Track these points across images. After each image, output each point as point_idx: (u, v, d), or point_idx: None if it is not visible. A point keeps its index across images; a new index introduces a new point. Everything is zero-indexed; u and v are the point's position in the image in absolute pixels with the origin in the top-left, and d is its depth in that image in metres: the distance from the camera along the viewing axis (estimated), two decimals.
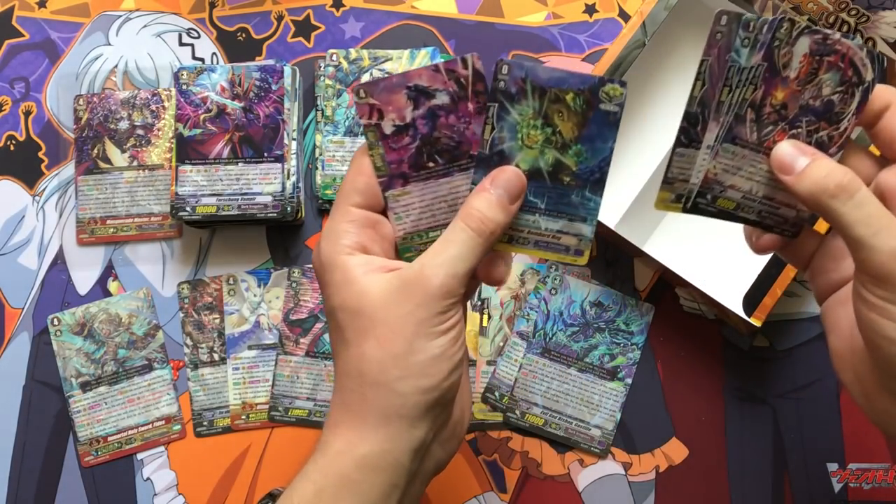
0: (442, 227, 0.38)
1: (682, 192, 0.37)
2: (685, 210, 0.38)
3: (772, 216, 0.38)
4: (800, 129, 0.37)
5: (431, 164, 0.38)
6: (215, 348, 0.61)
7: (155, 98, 0.64)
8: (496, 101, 0.37)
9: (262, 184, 0.59)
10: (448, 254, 0.36)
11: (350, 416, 0.36)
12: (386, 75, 0.36)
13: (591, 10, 0.65)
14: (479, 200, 0.37)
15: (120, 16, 0.66)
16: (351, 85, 0.63)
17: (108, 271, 0.62)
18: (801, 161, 0.35)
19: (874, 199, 0.34)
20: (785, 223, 0.38)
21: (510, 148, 0.37)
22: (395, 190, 0.38)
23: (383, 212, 0.39)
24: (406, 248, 0.39)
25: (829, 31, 0.36)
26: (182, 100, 0.60)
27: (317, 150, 0.62)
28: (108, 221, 0.62)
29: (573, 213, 0.39)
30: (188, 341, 0.61)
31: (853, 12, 0.54)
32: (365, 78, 0.63)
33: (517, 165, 0.37)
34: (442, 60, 0.37)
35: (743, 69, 0.35)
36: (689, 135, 0.36)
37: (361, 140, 0.62)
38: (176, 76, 0.60)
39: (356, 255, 0.37)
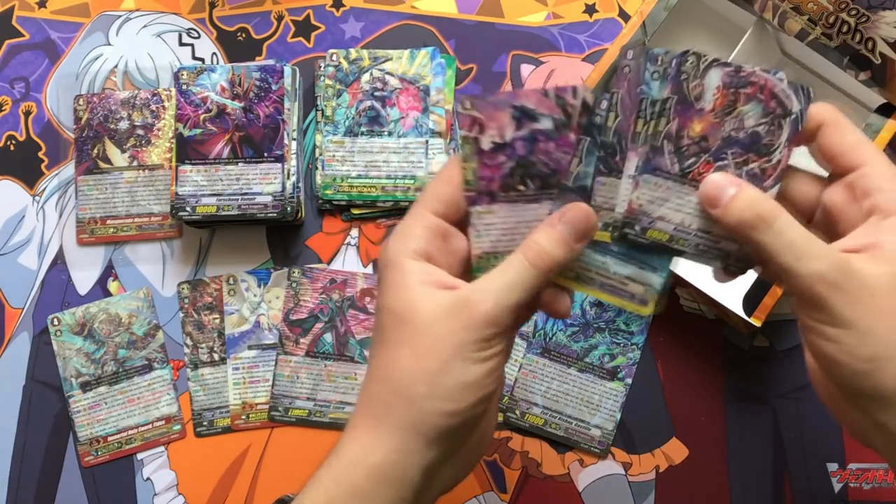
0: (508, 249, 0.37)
1: (608, 220, 0.37)
2: (614, 239, 0.37)
3: (712, 250, 0.38)
4: (726, 161, 0.37)
5: (522, 188, 0.37)
6: (215, 348, 0.61)
7: (155, 98, 0.64)
8: (589, 135, 0.36)
9: (262, 184, 0.59)
10: (500, 282, 0.35)
11: (370, 419, 0.36)
12: (493, 93, 0.36)
13: (591, 10, 0.65)
14: (542, 234, 0.36)
15: (120, 16, 0.66)
16: (351, 86, 0.63)
17: (108, 271, 0.62)
18: (727, 192, 0.35)
19: (795, 225, 0.34)
20: (728, 257, 0.38)
21: (591, 185, 0.37)
22: (480, 207, 0.37)
23: (460, 226, 0.38)
24: (479, 268, 0.37)
25: (741, 65, 0.37)
26: (182, 100, 0.60)
27: (317, 150, 0.62)
28: (108, 221, 0.62)
29: (645, 260, 0.38)
30: (188, 341, 0.61)
31: (853, 12, 0.54)
32: (365, 78, 0.63)
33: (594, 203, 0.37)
34: (553, 88, 0.36)
35: (655, 101, 0.36)
36: (607, 164, 0.37)
37: (361, 140, 0.62)
38: (176, 76, 0.60)
39: (418, 262, 0.36)
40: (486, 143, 0.36)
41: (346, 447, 0.36)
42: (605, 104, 0.36)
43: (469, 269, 0.38)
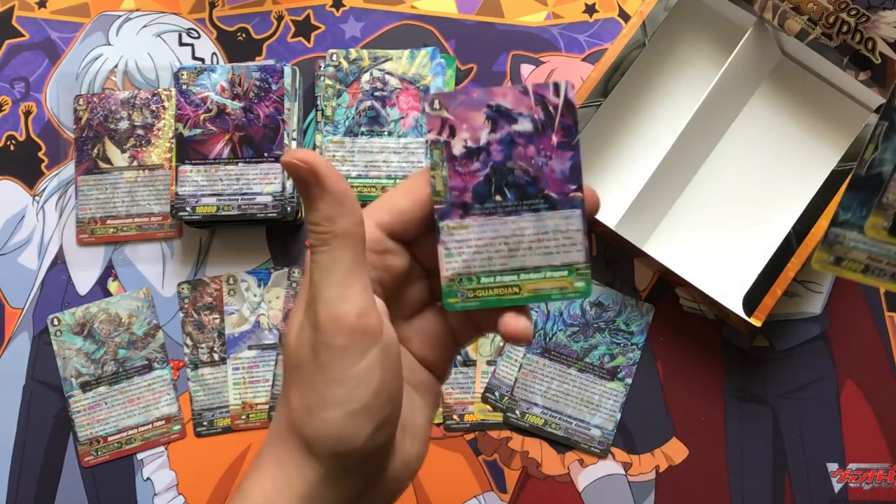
0: (497, 273, 0.33)
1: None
2: (889, 230, 0.34)
3: None
4: None
5: (499, 198, 0.33)
6: (215, 348, 0.61)
7: (155, 98, 0.64)
8: (888, 119, 0.32)
9: (262, 184, 0.59)
10: (332, 280, 0.31)
11: (275, 460, 0.33)
12: (465, 89, 0.32)
13: (591, 10, 0.65)
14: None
15: (120, 16, 0.66)
16: (351, 86, 0.63)
17: (108, 271, 0.62)
18: None
19: None
20: None
21: (887, 172, 0.33)
22: (451, 221, 0.33)
23: (407, 243, 0.35)
24: (451, 293, 0.33)
25: None
26: (182, 100, 0.60)
27: (317, 150, 0.62)
28: (108, 221, 0.62)
29: None
30: (188, 341, 0.61)
31: (853, 12, 0.54)
32: (365, 78, 0.63)
33: None
34: (532, 84, 0.32)
35: None
36: None
37: (361, 140, 0.62)
38: (176, 76, 0.60)
39: None
40: (457, 148, 0.33)
41: (251, 490, 0.33)
42: None
43: (392, 288, 0.34)
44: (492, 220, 0.33)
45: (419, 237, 0.35)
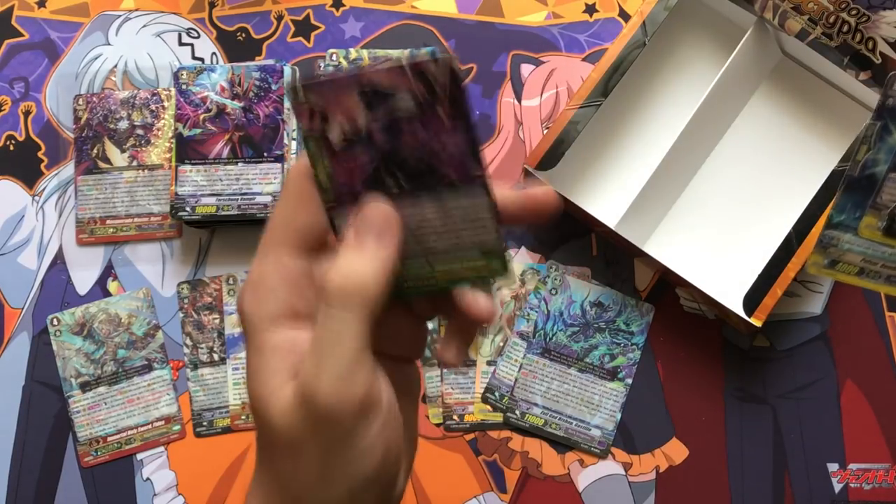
0: (410, 265, 0.31)
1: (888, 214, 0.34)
2: (883, 231, 0.34)
3: None
4: None
5: (394, 189, 0.30)
6: (215, 348, 0.60)
7: (155, 98, 0.64)
8: (881, 119, 0.32)
9: (262, 184, 0.59)
10: (331, 360, 0.28)
11: None
12: (331, 73, 0.29)
13: (591, 9, 0.65)
14: (342, 260, 0.29)
15: (120, 15, 0.66)
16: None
17: (108, 271, 0.62)
18: None
19: None
20: None
21: (881, 173, 0.33)
22: (348, 219, 0.30)
23: (321, 243, 0.31)
24: None
25: None
26: (182, 100, 0.60)
27: None
28: (108, 221, 0.62)
29: None
30: (188, 341, 0.61)
31: (853, 12, 0.54)
32: None
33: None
34: (407, 60, 0.28)
35: None
36: None
37: None
38: (176, 76, 0.60)
39: (280, 332, 0.30)
40: (335, 140, 0.29)
41: None
42: None
43: None
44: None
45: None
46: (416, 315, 0.33)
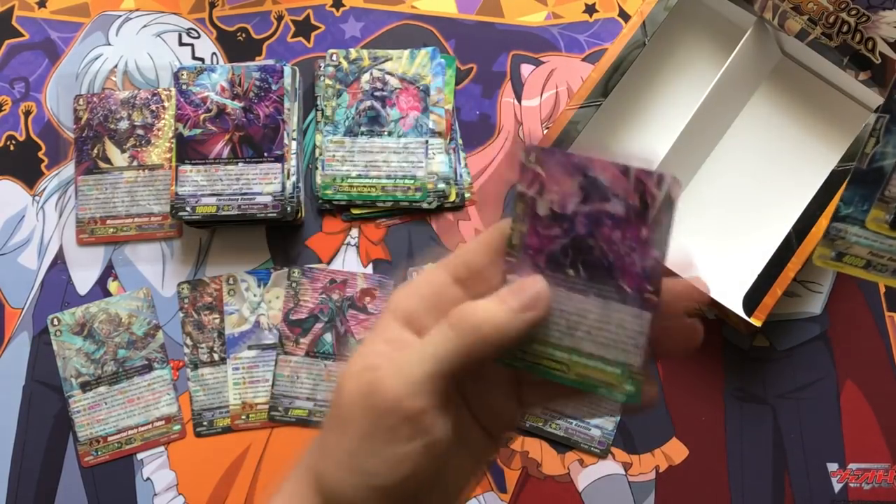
0: (551, 345, 0.32)
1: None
2: (890, 224, 0.34)
3: None
4: None
5: (571, 272, 0.31)
6: (215, 348, 0.61)
7: (155, 98, 0.64)
8: (889, 112, 0.32)
9: (262, 184, 0.59)
10: (415, 356, 0.30)
11: (302, 493, 0.33)
12: (566, 151, 0.30)
13: (591, 10, 0.65)
14: (481, 302, 0.31)
15: (120, 16, 0.66)
16: (351, 86, 0.63)
17: (108, 271, 0.62)
18: None
19: None
20: None
21: (889, 166, 0.33)
22: (519, 279, 0.31)
23: (483, 288, 0.33)
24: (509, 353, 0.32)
25: None
26: (182, 100, 0.60)
27: (317, 150, 0.62)
28: (108, 221, 0.62)
29: None
30: (188, 341, 0.61)
31: (853, 12, 0.54)
32: (365, 78, 0.63)
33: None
34: (636, 167, 0.30)
35: None
36: None
37: (361, 140, 0.62)
38: (176, 76, 0.60)
39: (393, 331, 0.32)
40: (542, 208, 0.31)
41: None
42: None
43: None
44: (558, 290, 0.31)
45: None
46: (519, 404, 0.35)
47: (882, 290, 0.60)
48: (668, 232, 0.30)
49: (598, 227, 0.30)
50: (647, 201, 0.30)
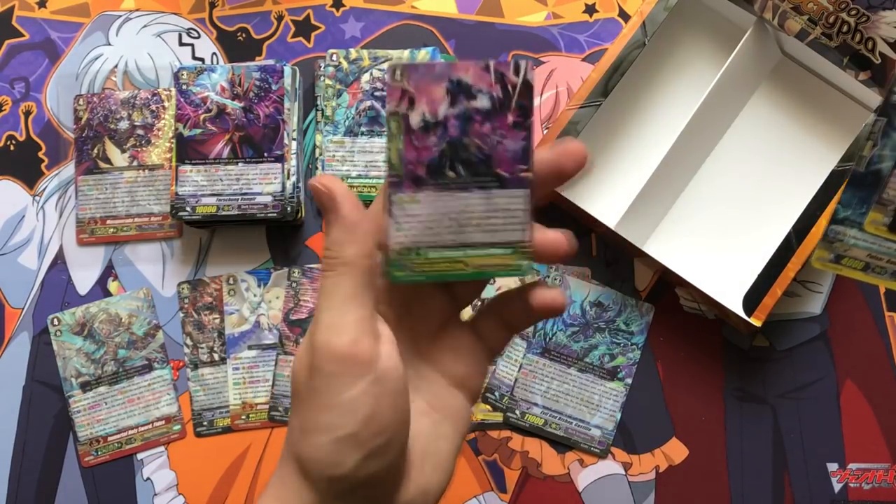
0: (444, 248, 0.33)
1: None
2: (891, 230, 0.35)
3: None
4: None
5: (451, 174, 0.33)
6: (215, 348, 0.61)
7: (155, 98, 0.64)
8: (886, 115, 0.33)
9: (262, 184, 0.59)
10: (333, 308, 0.32)
11: (280, 485, 0.33)
12: (428, 62, 0.32)
13: (591, 10, 0.65)
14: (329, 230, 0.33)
15: (120, 16, 0.66)
16: (351, 86, 0.63)
17: (108, 271, 0.62)
18: None
19: None
20: None
21: (887, 169, 0.33)
22: (403, 194, 0.33)
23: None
24: (397, 265, 0.33)
25: None
26: (182, 100, 0.60)
27: (317, 150, 0.62)
28: (108, 221, 0.62)
29: None
30: (188, 341, 0.61)
31: (853, 12, 0.54)
32: (365, 78, 0.63)
33: None
34: (494, 61, 0.33)
35: None
36: None
37: (361, 140, 0.62)
38: (176, 76, 0.60)
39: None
40: (415, 120, 0.32)
41: None
42: None
43: None
44: (443, 195, 0.33)
45: None
46: (478, 339, 0.36)
47: (882, 290, 0.60)
48: (531, 113, 0.33)
49: (469, 125, 0.33)
50: (509, 89, 0.33)
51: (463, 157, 0.33)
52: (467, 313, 0.38)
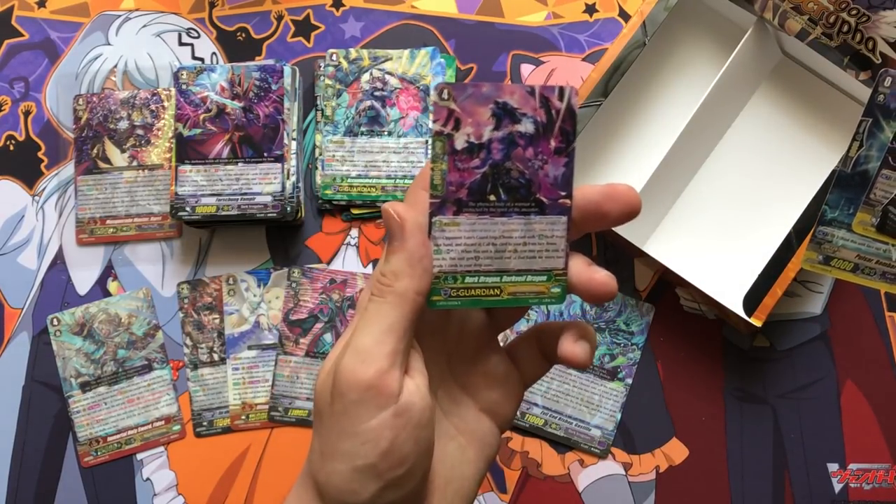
0: (482, 273, 0.33)
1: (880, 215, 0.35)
2: (876, 227, 0.35)
3: None
4: None
5: (492, 198, 0.33)
6: (215, 348, 0.60)
7: (154, 98, 0.64)
8: (871, 115, 0.33)
9: (262, 184, 0.59)
10: (367, 339, 0.31)
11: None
12: (474, 83, 0.32)
13: (591, 9, 0.65)
14: (383, 259, 0.32)
15: (120, 15, 0.66)
16: (351, 86, 0.63)
17: (108, 271, 0.62)
18: None
19: None
20: None
21: (874, 169, 0.33)
22: (444, 217, 0.32)
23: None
24: (435, 290, 0.33)
25: None
26: (182, 100, 0.60)
27: (317, 150, 0.62)
28: (108, 221, 0.62)
29: None
30: (188, 341, 0.61)
31: (853, 12, 0.54)
32: (365, 78, 0.63)
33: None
34: (539, 86, 0.32)
35: None
36: None
37: (361, 140, 0.62)
38: (176, 76, 0.60)
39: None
40: (459, 142, 0.32)
41: None
42: (889, 81, 0.31)
43: None
44: (483, 219, 0.33)
45: None
46: (514, 367, 0.37)
47: (882, 290, 0.60)
48: (573, 139, 0.33)
49: (512, 149, 0.32)
50: (553, 114, 0.32)
51: (504, 181, 0.33)
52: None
